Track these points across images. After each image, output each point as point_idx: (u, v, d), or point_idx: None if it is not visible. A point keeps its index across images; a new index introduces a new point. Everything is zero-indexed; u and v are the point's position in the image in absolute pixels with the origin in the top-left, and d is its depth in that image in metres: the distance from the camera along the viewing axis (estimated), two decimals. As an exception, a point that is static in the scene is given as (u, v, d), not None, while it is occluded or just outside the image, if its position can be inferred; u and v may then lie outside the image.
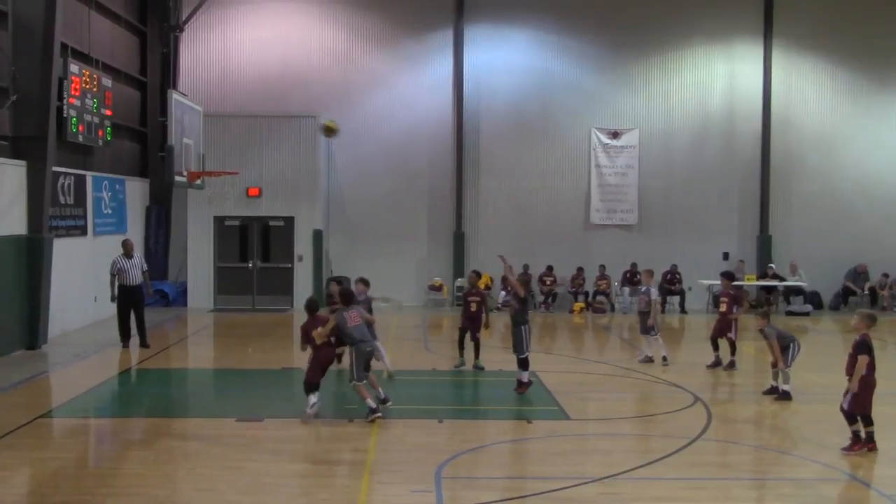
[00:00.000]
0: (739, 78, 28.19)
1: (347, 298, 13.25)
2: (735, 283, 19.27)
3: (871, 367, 10.92)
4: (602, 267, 27.33)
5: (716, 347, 17.25)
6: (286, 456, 10.85)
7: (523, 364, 14.20)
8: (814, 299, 27.33)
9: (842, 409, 11.14)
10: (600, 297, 27.20)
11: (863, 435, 11.01)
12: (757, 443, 12.10)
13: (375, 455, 10.90)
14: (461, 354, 16.53)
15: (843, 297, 27.72)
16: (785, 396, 14.25)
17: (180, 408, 13.41)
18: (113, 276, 18.46)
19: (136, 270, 18.57)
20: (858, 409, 10.97)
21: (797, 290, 27.30)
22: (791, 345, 14.54)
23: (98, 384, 15.20)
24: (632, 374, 16.40)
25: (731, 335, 17.13)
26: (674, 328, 24.46)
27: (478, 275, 17.36)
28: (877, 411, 11.08)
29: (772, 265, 27.46)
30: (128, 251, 18.70)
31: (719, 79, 28.23)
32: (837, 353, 21.22)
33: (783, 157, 28.16)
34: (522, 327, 14.28)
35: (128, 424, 12.89)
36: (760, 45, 27.97)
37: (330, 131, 16.98)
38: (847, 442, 11.08)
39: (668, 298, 26.88)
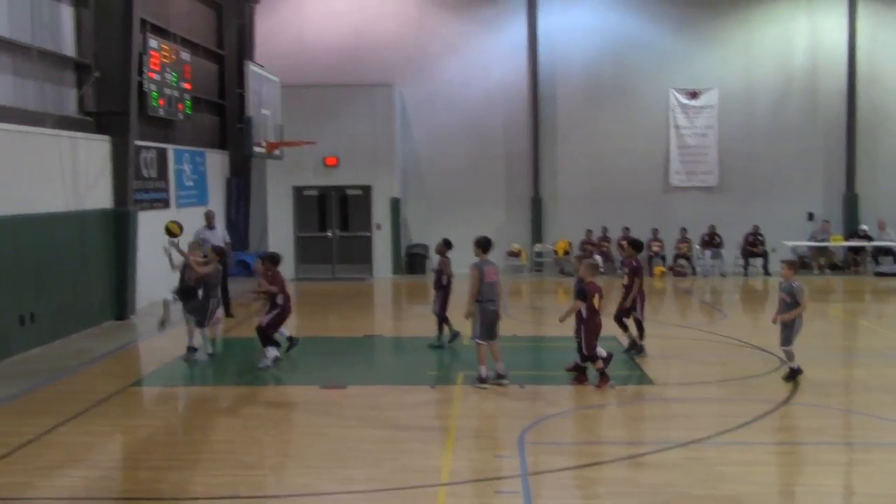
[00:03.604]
0: (823, 33, 27.32)
1: (486, 248, 12.81)
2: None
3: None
4: (683, 230, 26.93)
5: (623, 328, 14.63)
6: (369, 422, 10.96)
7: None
8: (904, 259, 26.55)
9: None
10: (681, 261, 26.83)
11: None
12: (846, 406, 11.86)
13: (458, 421, 10.95)
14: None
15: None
16: (794, 375, 12.62)
17: (265, 376, 13.64)
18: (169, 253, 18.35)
19: (217, 241, 18.81)
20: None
21: (886, 250, 26.53)
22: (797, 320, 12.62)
23: (184, 353, 15.52)
24: (715, 337, 16.16)
25: (638, 314, 14.46)
26: (757, 290, 24.04)
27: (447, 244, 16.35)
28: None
29: (864, 226, 26.73)
30: (209, 222, 18.98)
31: (801, 34, 27.40)
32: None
33: (869, 113, 27.28)
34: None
35: (215, 392, 13.17)
36: (845, -2, 27.11)
37: (169, 232, 15.13)
38: None
39: (751, 260, 26.42)
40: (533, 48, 27.43)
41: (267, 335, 14.04)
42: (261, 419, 11.33)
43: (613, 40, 27.44)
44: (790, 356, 12.65)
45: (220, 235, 18.92)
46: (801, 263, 26.62)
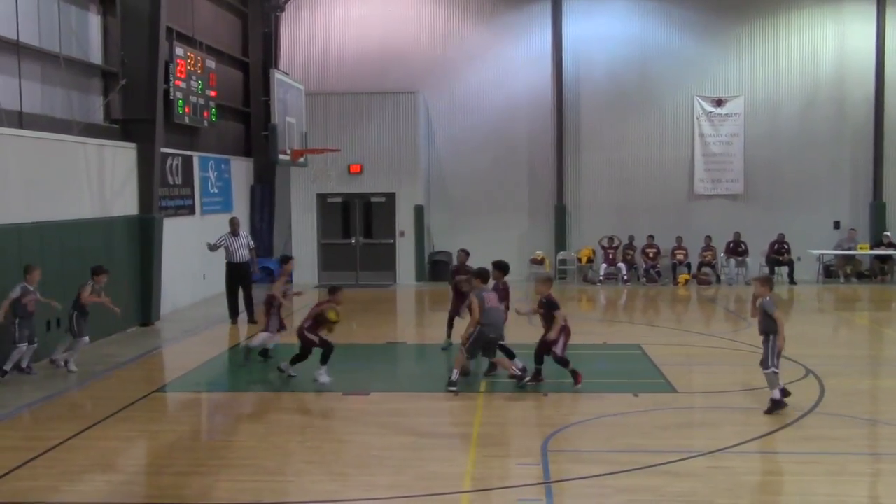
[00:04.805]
0: (850, 40, 27.13)
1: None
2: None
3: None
4: (708, 238, 26.80)
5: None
6: (392, 429, 10.97)
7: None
8: (930, 268, 26.29)
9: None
10: (705, 269, 26.70)
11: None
12: (872, 416, 11.75)
13: (481, 429, 10.94)
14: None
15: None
16: (777, 406, 11.24)
17: (289, 382, 13.67)
18: (216, 245, 18.91)
19: (243, 247, 18.99)
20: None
21: (913, 259, 26.31)
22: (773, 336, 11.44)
23: (209, 359, 15.62)
24: (739, 346, 16.05)
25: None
26: (783, 298, 23.87)
27: (466, 254, 16.70)
28: None
29: (887, 233, 26.54)
30: (234, 229, 19.12)
31: (829, 41, 27.23)
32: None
33: (898, 121, 27.08)
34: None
35: (238, 398, 13.23)
36: (873, 4, 26.87)
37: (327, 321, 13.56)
38: None
39: (777, 269, 26.24)
40: (557, 56, 27.42)
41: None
42: (284, 425, 11.37)
43: (638, 48, 27.39)
44: (773, 382, 11.34)
45: (244, 242, 19.07)
46: (826, 272, 26.65)
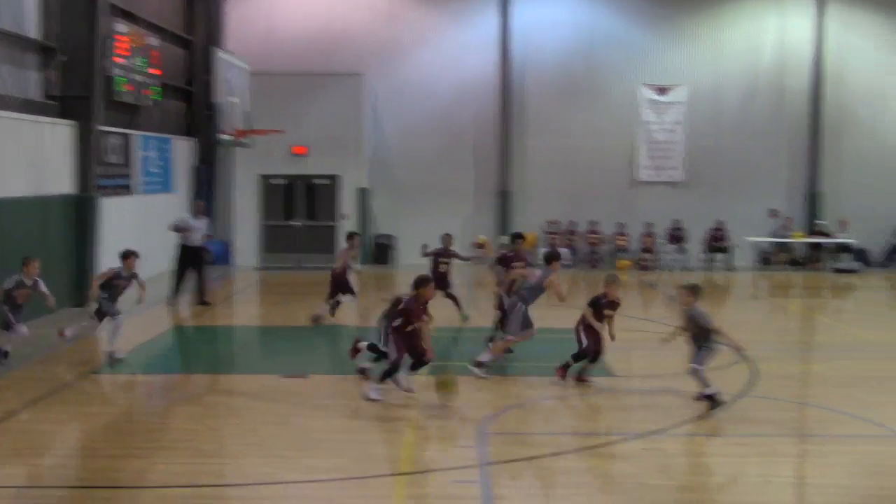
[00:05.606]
0: (791, 32, 27.56)
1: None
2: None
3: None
4: (649, 224, 27.11)
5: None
6: (331, 411, 10.96)
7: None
8: (862, 256, 26.86)
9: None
10: (646, 255, 27.02)
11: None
12: (802, 399, 12.03)
13: (420, 411, 10.97)
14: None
15: (891, 254, 27.32)
16: (711, 401, 10.82)
17: (227, 364, 13.60)
18: (178, 226, 18.79)
19: (201, 233, 18.90)
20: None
21: (846, 248, 26.87)
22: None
23: (146, 341, 15.43)
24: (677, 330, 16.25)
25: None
26: (719, 284, 24.26)
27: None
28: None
29: (821, 222, 27.07)
30: (198, 211, 19.07)
31: (770, 33, 27.63)
32: (884, 310, 21.11)
33: (835, 113, 27.57)
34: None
35: (176, 380, 13.12)
36: (813, -2, 27.41)
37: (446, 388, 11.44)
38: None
39: (715, 255, 26.68)
40: (505, 41, 27.44)
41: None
42: (221, 408, 11.31)
43: (585, 35, 27.53)
44: (702, 379, 10.91)
45: (203, 228, 19.00)
46: (763, 259, 27.13)
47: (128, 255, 13.65)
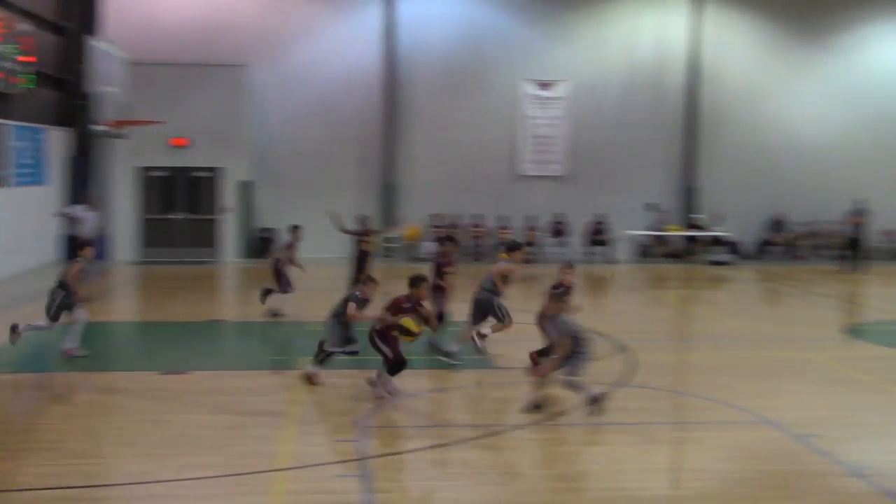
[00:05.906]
0: (668, 30, 28.30)
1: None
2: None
3: None
4: (531, 218, 27.47)
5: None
6: (209, 408, 10.76)
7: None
8: (735, 249, 27.80)
9: None
10: (528, 248, 27.31)
11: None
12: (677, 388, 12.37)
13: (300, 406, 10.87)
14: None
15: (763, 247, 28.40)
16: (593, 401, 10.28)
17: (102, 361, 13.19)
18: (65, 214, 18.32)
19: (88, 224, 18.37)
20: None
21: (720, 241, 27.76)
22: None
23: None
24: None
25: None
26: (599, 277, 24.76)
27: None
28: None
29: (696, 215, 27.91)
30: (91, 205, 18.54)
31: (648, 31, 28.31)
32: (754, 301, 21.95)
33: (711, 109, 28.44)
34: None
35: (46, 379, 12.66)
36: (689, -2, 28.22)
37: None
38: None
39: (596, 249, 27.24)
40: (389, 34, 27.39)
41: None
42: (94, 406, 10.97)
43: (470, 30, 27.69)
44: (578, 387, 10.34)
45: (92, 221, 18.49)
46: (642, 252, 27.83)
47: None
